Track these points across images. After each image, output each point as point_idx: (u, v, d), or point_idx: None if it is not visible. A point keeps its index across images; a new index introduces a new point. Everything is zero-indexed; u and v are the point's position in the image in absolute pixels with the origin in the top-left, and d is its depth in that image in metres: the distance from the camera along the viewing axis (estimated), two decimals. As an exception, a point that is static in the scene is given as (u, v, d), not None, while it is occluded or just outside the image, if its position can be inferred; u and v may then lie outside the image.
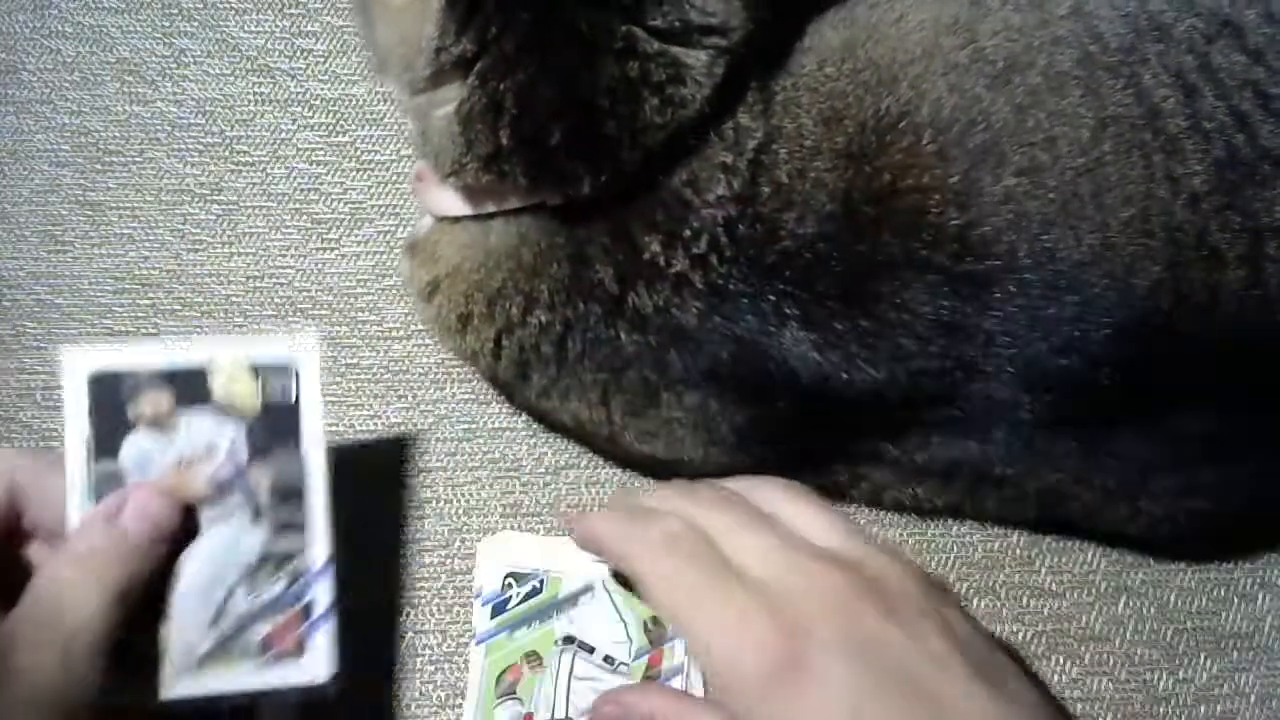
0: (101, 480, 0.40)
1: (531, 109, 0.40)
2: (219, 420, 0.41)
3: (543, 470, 0.50)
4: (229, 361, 0.41)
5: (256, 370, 0.41)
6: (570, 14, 0.39)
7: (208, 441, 0.41)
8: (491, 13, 0.39)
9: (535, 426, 0.50)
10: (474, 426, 0.51)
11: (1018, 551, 0.49)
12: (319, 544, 0.41)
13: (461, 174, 0.42)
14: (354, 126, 0.55)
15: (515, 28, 0.39)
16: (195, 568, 0.40)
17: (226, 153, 0.55)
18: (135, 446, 0.40)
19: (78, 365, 0.40)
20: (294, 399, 0.41)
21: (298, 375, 0.41)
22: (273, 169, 0.55)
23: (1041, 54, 0.42)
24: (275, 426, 0.41)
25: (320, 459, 0.41)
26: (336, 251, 0.53)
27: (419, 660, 0.48)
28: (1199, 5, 0.42)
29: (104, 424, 0.40)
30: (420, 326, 0.52)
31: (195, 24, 0.57)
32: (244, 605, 0.40)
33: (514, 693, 0.43)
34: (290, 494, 0.41)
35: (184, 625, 0.39)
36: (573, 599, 0.44)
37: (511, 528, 0.49)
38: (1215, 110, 0.41)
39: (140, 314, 0.52)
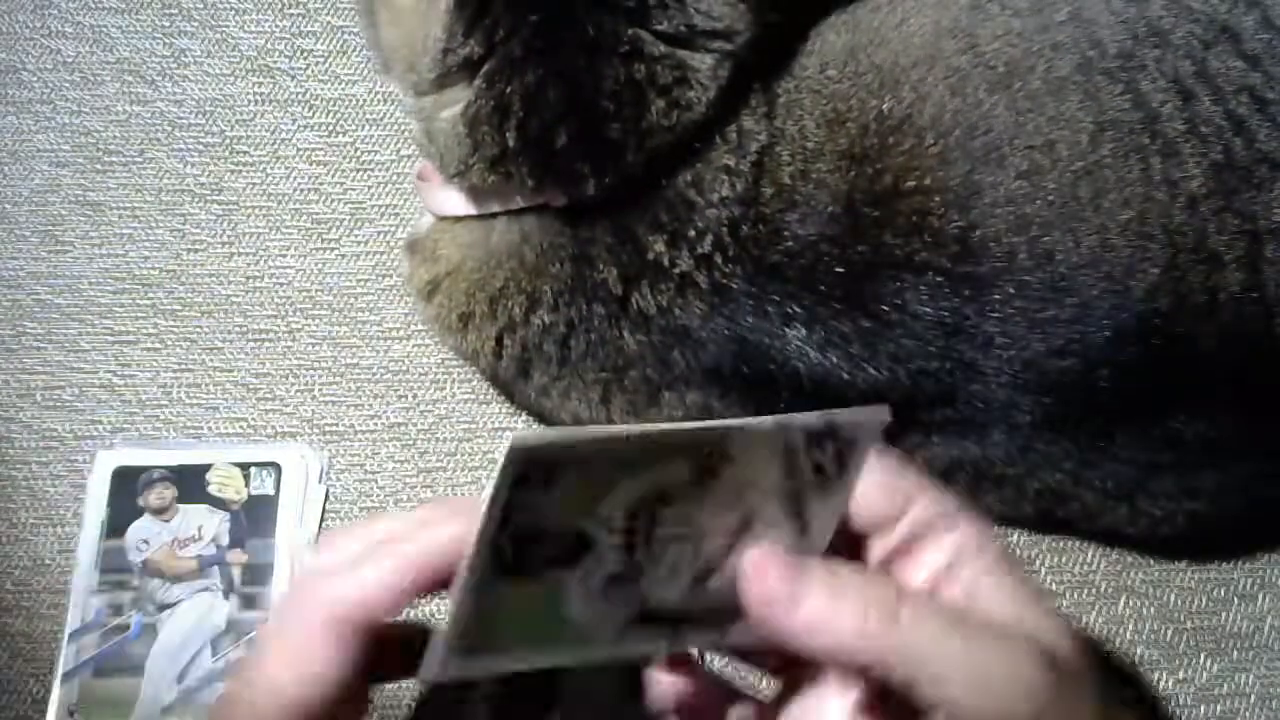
0: (107, 554, 0.48)
1: (538, 111, 0.40)
2: (210, 510, 0.48)
3: (543, 470, 0.50)
4: (224, 463, 0.49)
5: (246, 468, 0.49)
6: (577, 17, 0.39)
7: (198, 527, 0.49)
8: (499, 15, 0.39)
9: (536, 426, 0.50)
10: (474, 426, 0.51)
11: (1018, 551, 0.49)
12: None
13: (467, 175, 0.42)
14: (354, 126, 0.55)
15: (523, 30, 0.39)
16: (171, 630, 0.47)
17: (226, 153, 0.55)
18: (139, 529, 0.49)
19: (106, 461, 0.49)
20: (275, 493, 0.49)
21: (280, 473, 0.49)
22: (273, 169, 0.54)
23: (1041, 59, 0.42)
24: (255, 517, 0.48)
25: (287, 544, 0.48)
26: (336, 251, 0.53)
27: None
28: (1197, 11, 0.43)
29: (118, 510, 0.48)
30: (420, 326, 0.52)
31: (195, 24, 0.56)
32: (208, 666, 0.46)
33: None
34: (260, 574, 0.47)
35: (154, 679, 0.46)
36: None
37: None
38: (1212, 114, 0.41)
39: (140, 314, 0.52)
